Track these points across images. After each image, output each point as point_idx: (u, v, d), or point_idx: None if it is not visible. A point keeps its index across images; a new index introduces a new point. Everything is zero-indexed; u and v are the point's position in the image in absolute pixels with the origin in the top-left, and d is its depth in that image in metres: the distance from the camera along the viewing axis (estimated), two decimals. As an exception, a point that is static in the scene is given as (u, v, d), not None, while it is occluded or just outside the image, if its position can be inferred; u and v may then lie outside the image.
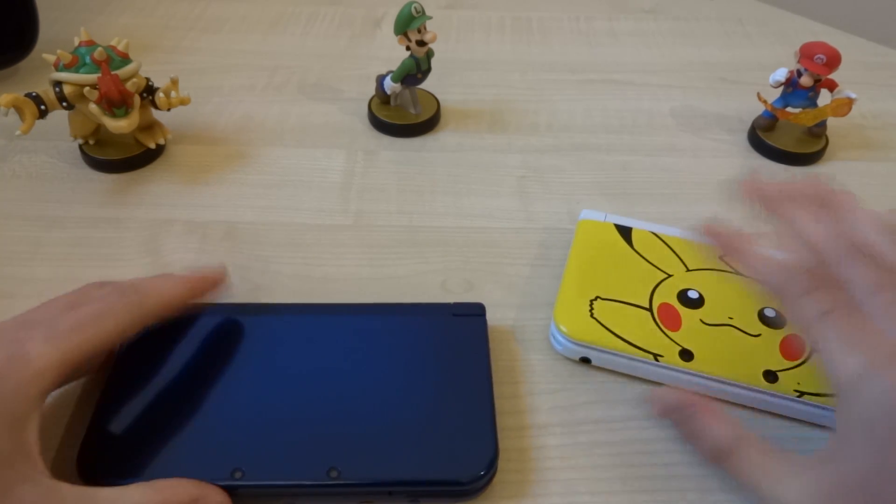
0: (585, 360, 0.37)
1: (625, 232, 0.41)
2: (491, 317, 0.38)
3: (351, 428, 0.31)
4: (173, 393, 0.33)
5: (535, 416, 0.35)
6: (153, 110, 0.49)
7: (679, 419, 0.32)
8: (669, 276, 0.39)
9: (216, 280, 0.35)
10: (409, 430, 0.31)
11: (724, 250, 0.32)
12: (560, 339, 0.37)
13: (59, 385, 0.29)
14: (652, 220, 0.43)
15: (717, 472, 0.33)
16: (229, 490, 0.29)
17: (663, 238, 0.41)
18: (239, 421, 0.31)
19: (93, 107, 0.44)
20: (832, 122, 0.53)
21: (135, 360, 0.34)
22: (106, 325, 0.30)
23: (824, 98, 0.51)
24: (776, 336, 0.36)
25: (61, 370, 0.28)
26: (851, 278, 0.27)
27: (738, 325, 0.36)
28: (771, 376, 0.34)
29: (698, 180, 0.50)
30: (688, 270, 0.39)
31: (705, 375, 0.35)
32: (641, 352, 0.35)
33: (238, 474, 0.29)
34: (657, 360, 0.35)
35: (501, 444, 0.32)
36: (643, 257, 0.40)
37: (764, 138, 0.53)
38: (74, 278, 0.38)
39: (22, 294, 0.40)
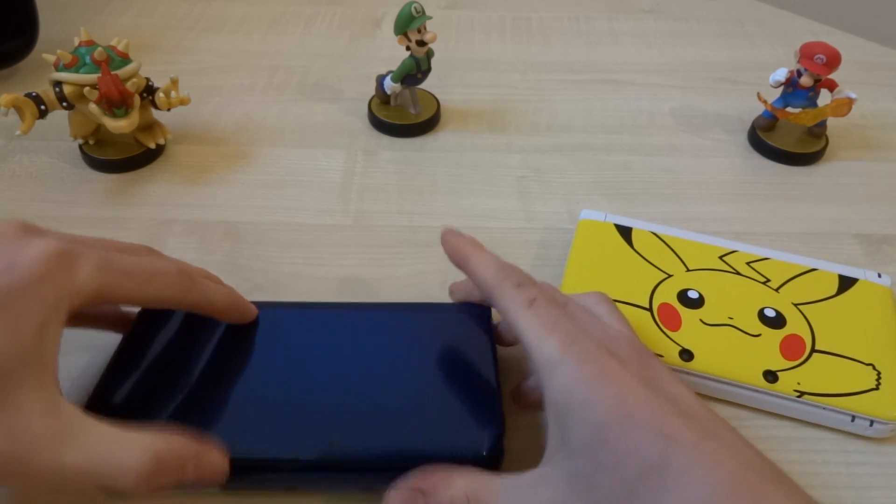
0: None
1: (625, 232, 0.41)
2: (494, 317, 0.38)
3: (355, 413, 0.31)
4: (180, 367, 0.33)
5: (543, 414, 0.35)
6: (153, 110, 0.49)
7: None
8: (669, 276, 0.39)
9: (249, 315, 0.35)
10: (414, 415, 0.31)
11: (452, 254, 0.34)
12: None
13: (76, 314, 0.28)
14: (652, 220, 0.43)
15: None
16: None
17: (663, 238, 0.41)
18: (242, 400, 0.32)
19: (93, 107, 0.44)
20: (832, 122, 0.53)
21: (147, 334, 0.34)
22: (152, 287, 0.30)
23: (824, 98, 0.51)
24: (776, 336, 0.36)
25: (92, 301, 0.28)
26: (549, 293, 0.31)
27: (738, 325, 0.36)
28: (771, 376, 0.34)
29: (698, 180, 0.50)
30: (688, 270, 0.39)
31: (705, 375, 0.35)
32: None
33: (237, 447, 0.29)
34: None
35: (510, 445, 0.32)
36: (643, 257, 0.40)
37: (764, 138, 0.53)
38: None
39: (22, 294, 0.40)
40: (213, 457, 0.28)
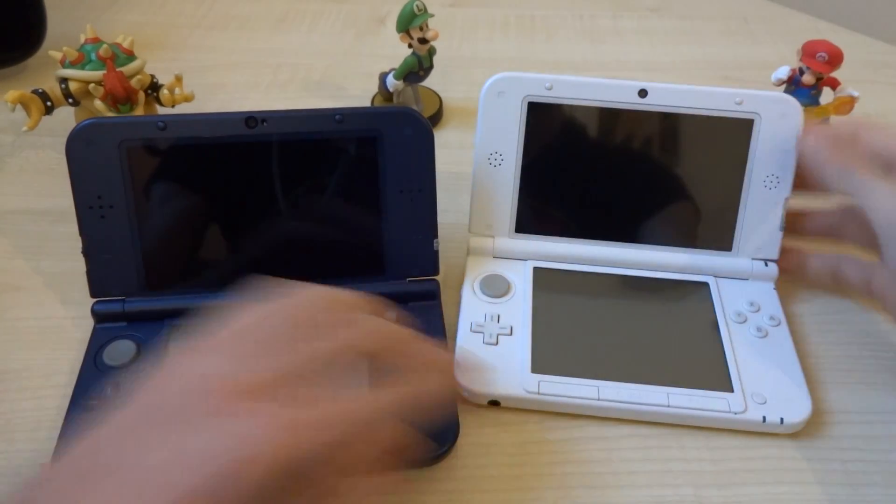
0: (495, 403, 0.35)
1: None
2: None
3: None
4: None
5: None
6: (158, 107, 0.50)
7: None
8: None
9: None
10: None
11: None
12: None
13: None
14: None
15: (710, 467, 0.33)
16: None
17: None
18: None
19: (98, 103, 0.45)
20: (835, 120, 0.52)
21: None
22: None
23: (827, 96, 0.51)
24: None
25: None
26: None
27: None
28: None
29: (699, 178, 0.50)
30: None
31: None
32: None
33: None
34: None
35: (496, 438, 0.32)
36: None
37: (766, 136, 0.53)
38: (80, 272, 0.38)
39: (28, 287, 0.41)
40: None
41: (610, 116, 0.39)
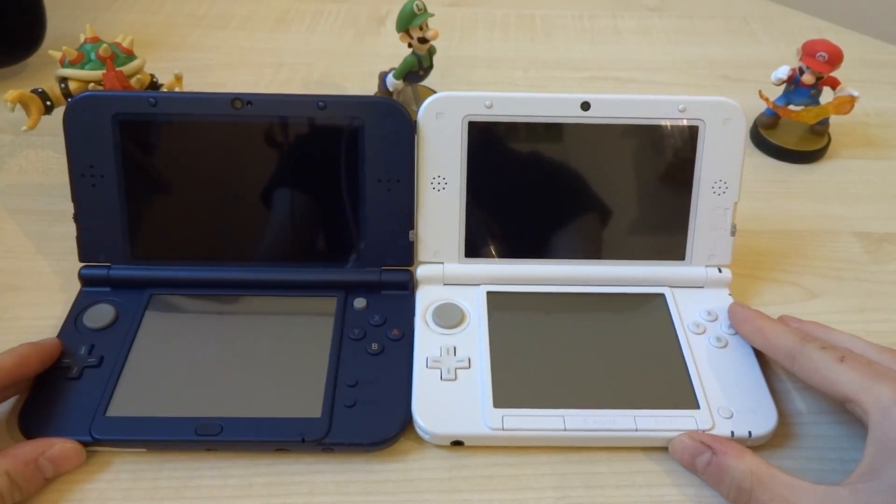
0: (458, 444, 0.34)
1: None
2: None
3: None
4: None
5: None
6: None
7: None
8: None
9: (49, 351, 0.35)
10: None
11: (743, 326, 0.36)
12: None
13: None
14: None
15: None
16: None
17: None
18: None
19: (98, 103, 0.45)
20: (835, 119, 0.52)
21: None
22: None
23: (827, 96, 0.51)
24: None
25: None
26: (854, 347, 0.33)
27: None
28: None
29: (699, 178, 0.50)
30: None
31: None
32: None
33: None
34: None
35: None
36: None
37: (766, 136, 0.53)
38: (78, 272, 0.38)
39: (27, 287, 0.41)
40: (59, 446, 0.31)
41: (554, 131, 0.38)
